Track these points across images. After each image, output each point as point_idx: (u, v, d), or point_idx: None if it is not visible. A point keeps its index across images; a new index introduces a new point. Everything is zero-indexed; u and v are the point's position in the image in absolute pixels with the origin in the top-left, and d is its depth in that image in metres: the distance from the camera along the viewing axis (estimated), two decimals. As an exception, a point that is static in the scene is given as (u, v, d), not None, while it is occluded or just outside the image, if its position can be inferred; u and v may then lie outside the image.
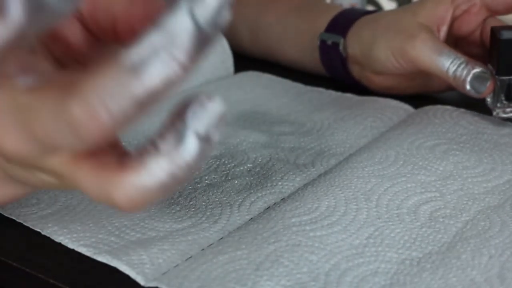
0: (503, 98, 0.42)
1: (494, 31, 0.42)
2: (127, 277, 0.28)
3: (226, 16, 0.18)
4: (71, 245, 0.30)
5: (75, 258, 0.30)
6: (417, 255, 0.29)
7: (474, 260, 0.28)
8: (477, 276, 0.27)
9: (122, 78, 0.17)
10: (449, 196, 0.34)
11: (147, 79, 0.17)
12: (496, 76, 0.42)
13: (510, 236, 0.30)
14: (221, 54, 0.54)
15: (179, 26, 0.17)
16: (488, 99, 0.43)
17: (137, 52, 0.17)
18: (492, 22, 0.47)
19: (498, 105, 0.42)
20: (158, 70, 0.17)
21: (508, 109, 0.42)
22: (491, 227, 0.31)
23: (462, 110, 0.44)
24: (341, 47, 0.51)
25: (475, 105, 0.46)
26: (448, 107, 0.45)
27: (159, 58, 0.17)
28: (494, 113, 0.42)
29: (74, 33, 0.25)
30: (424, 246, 0.30)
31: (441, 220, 0.32)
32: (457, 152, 0.38)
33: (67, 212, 0.32)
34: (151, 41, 0.17)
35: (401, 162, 0.37)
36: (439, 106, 0.46)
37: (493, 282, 0.27)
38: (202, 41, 0.17)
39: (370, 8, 1.32)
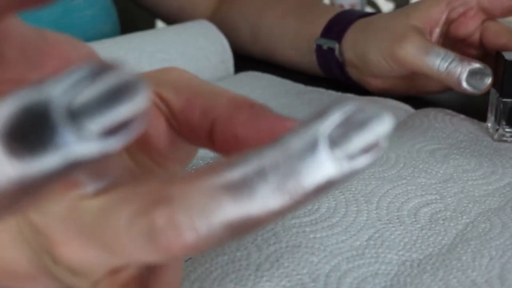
0: (504, 123, 0.41)
1: (499, 54, 0.41)
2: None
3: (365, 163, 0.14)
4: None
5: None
6: (417, 257, 0.29)
7: (474, 262, 0.28)
8: (478, 278, 0.27)
9: (217, 197, 0.14)
10: (449, 199, 0.34)
11: (246, 206, 0.14)
12: (500, 99, 0.41)
13: (510, 238, 0.30)
14: (221, 54, 0.54)
15: (310, 162, 0.14)
16: (489, 124, 0.42)
17: (240, 170, 0.14)
18: (491, 24, 0.46)
19: (499, 129, 0.41)
20: (262, 199, 0.14)
21: (509, 134, 0.41)
22: (492, 229, 0.31)
23: (462, 116, 0.44)
24: (337, 52, 0.51)
25: (474, 109, 0.46)
26: (448, 111, 0.45)
27: (267, 184, 0.14)
28: (495, 137, 0.41)
29: (156, 128, 0.22)
30: (425, 248, 0.30)
31: (441, 222, 0.32)
32: (457, 156, 0.38)
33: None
34: (262, 160, 0.14)
35: (402, 165, 0.37)
36: (439, 110, 0.46)
37: (493, 283, 0.27)
38: (327, 186, 0.14)
39: (368, 8, 1.32)
